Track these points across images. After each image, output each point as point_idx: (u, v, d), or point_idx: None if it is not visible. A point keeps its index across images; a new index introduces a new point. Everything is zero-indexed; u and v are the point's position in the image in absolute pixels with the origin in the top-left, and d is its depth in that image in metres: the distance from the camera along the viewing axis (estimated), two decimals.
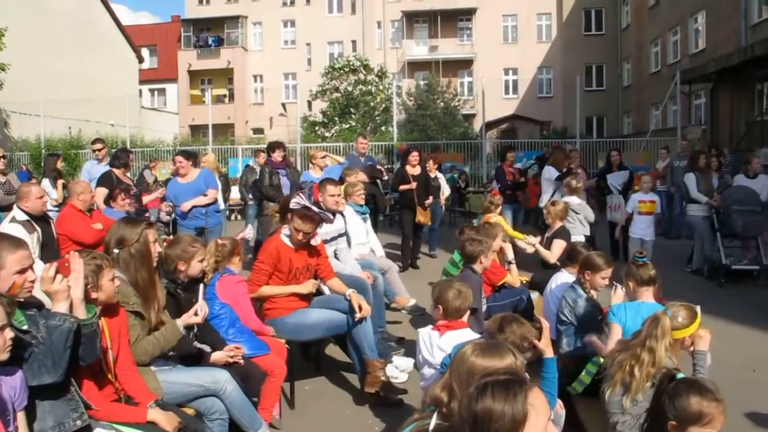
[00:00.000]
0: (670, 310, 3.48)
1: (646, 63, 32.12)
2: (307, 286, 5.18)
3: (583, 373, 4.18)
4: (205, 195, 8.01)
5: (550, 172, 10.28)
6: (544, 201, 9.93)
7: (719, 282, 8.93)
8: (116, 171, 8.51)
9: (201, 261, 4.21)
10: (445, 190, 12.18)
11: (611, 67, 37.06)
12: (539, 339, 3.30)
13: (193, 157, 8.27)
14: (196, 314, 3.81)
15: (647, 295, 4.22)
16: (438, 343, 3.78)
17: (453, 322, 3.82)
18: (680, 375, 2.67)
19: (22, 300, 2.82)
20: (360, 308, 4.94)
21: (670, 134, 21.17)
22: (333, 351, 6.00)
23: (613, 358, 3.54)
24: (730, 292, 8.57)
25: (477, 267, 5.17)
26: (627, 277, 4.28)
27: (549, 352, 3.34)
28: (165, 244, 4.19)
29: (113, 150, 10.77)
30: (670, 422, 2.55)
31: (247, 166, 12.34)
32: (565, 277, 5.36)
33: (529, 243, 7.10)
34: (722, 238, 9.13)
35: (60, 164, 10.21)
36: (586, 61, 36.61)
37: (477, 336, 3.44)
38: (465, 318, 3.92)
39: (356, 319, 4.95)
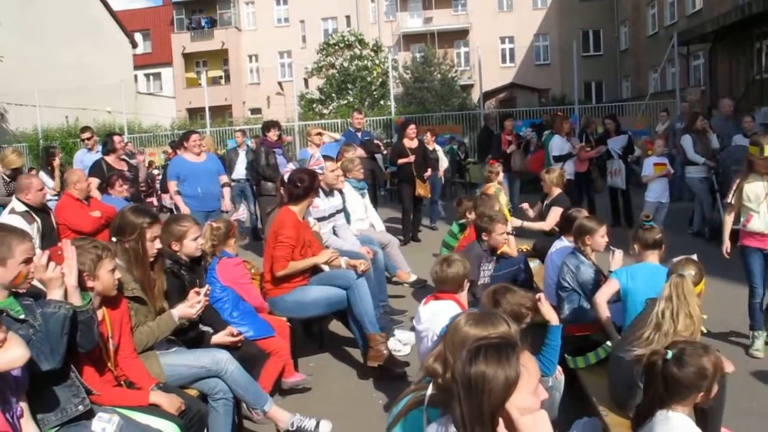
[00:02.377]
0: (683, 270, 3.47)
1: (644, 26, 31.82)
2: (326, 254, 5.20)
3: (592, 353, 4.19)
4: (225, 184, 8.25)
5: (557, 144, 10.19)
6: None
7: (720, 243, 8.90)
8: (107, 158, 8.46)
9: (195, 239, 4.19)
10: (444, 162, 12.17)
11: (608, 31, 36.72)
12: (535, 305, 3.33)
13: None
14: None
15: (653, 258, 4.36)
16: (421, 311, 3.89)
17: (440, 294, 3.87)
18: (669, 354, 2.66)
19: (23, 291, 2.85)
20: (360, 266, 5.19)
21: (669, 97, 21.05)
22: (336, 327, 6.03)
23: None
24: (731, 253, 8.55)
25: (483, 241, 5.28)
26: (633, 241, 4.41)
27: (554, 320, 3.36)
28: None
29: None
30: (699, 395, 2.61)
31: (231, 149, 12.35)
32: (564, 243, 5.37)
33: (514, 225, 7.09)
34: (722, 198, 9.10)
35: (58, 160, 10.00)
36: (582, 26, 36.26)
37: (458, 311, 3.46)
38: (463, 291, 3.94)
39: (359, 273, 5.12)
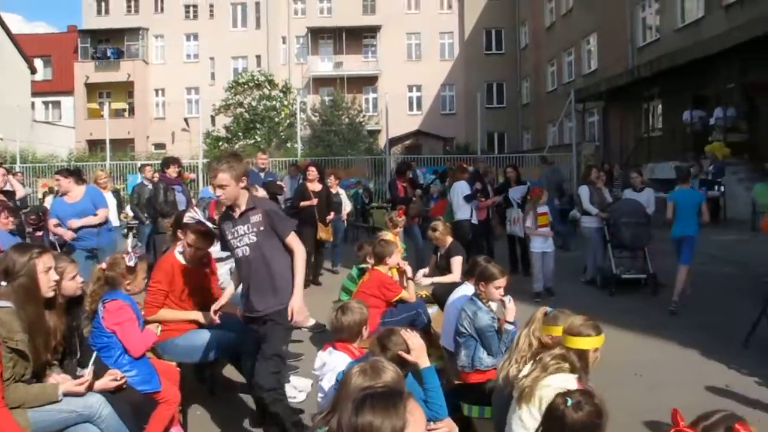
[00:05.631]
0: (554, 311, 3.63)
1: (544, 82, 33.39)
2: (207, 317, 4.86)
3: (489, 409, 4.21)
4: (95, 215, 7.73)
5: (465, 187, 10.37)
6: (458, 217, 10.10)
7: (611, 291, 9.27)
8: None
9: (73, 278, 3.97)
10: (347, 206, 12.19)
11: (511, 85, 38.34)
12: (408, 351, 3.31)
13: (74, 175, 7.93)
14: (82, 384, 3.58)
15: (685, 185, 8.79)
16: (319, 356, 3.87)
17: (337, 343, 3.83)
18: (568, 401, 2.71)
19: None
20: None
21: (567, 150, 22.03)
22: (230, 372, 5.84)
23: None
24: (621, 301, 8.93)
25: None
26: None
27: (423, 362, 3.33)
28: None
29: None
30: None
31: (138, 183, 11.94)
32: (466, 289, 5.41)
33: (424, 284, 7.17)
34: (613, 248, 9.52)
35: None
36: (487, 78, 37.65)
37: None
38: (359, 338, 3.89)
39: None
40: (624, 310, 8.29)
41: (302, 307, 4.34)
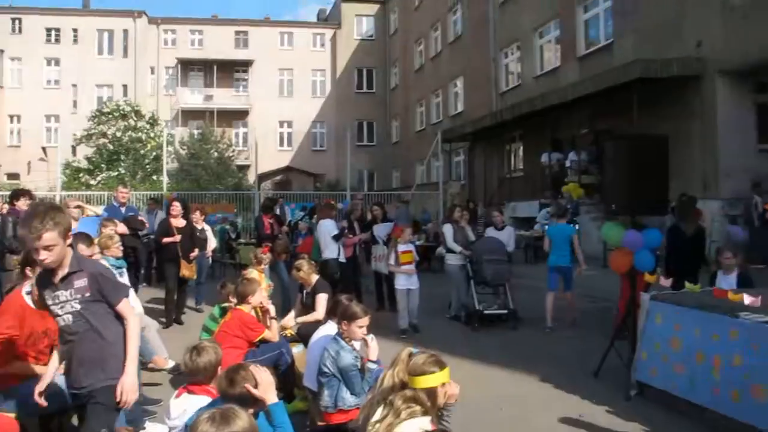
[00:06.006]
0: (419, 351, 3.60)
1: (412, 121, 34.40)
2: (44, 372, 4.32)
3: None
4: None
5: (332, 226, 10.32)
6: (326, 255, 10.03)
7: (474, 326, 9.52)
8: None
9: None
10: (212, 242, 11.91)
11: (381, 123, 39.25)
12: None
13: None
14: None
15: (562, 221, 9.86)
16: (172, 404, 3.70)
17: (193, 386, 3.68)
18: None
19: None
20: None
21: (434, 188, 22.68)
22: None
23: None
24: (483, 336, 9.17)
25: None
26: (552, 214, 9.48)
27: (271, 398, 3.25)
28: None
29: None
30: None
31: None
32: (329, 328, 5.37)
33: (287, 326, 7.11)
34: (475, 285, 9.81)
35: None
36: (358, 117, 38.39)
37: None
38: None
39: None
40: (487, 345, 8.53)
41: (134, 385, 3.74)
